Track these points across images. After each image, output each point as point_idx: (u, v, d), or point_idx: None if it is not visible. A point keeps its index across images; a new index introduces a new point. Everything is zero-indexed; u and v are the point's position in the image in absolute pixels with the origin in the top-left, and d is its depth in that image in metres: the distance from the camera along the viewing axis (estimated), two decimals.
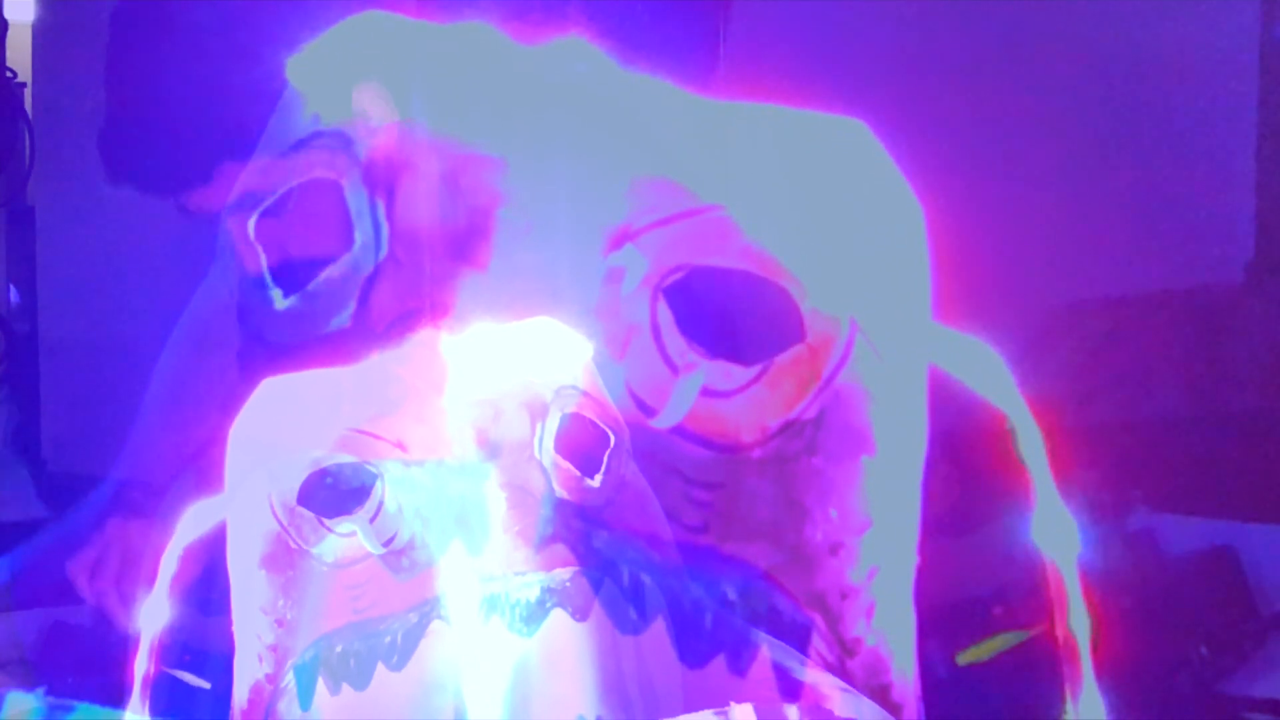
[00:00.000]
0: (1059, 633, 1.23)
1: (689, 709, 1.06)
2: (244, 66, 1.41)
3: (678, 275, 1.25)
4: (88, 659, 1.55)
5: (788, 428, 1.24)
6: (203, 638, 1.30)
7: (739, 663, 1.13)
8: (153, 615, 1.22)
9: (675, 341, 1.24)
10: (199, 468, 1.22)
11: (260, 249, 1.37)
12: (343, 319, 1.32)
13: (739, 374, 1.24)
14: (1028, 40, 1.73)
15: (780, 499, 1.24)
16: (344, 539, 1.11)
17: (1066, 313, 1.78)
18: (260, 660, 1.16)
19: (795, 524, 1.24)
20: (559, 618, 1.02)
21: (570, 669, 1.01)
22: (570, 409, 1.10)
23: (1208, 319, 1.79)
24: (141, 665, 1.22)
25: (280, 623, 1.15)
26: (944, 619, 1.46)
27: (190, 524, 1.21)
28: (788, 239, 1.25)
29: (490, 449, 1.09)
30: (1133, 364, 1.79)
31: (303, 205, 1.35)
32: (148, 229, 1.71)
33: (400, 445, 1.11)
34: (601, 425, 1.11)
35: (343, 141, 1.34)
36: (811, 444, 1.24)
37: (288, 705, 1.10)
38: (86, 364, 1.88)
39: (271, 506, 1.13)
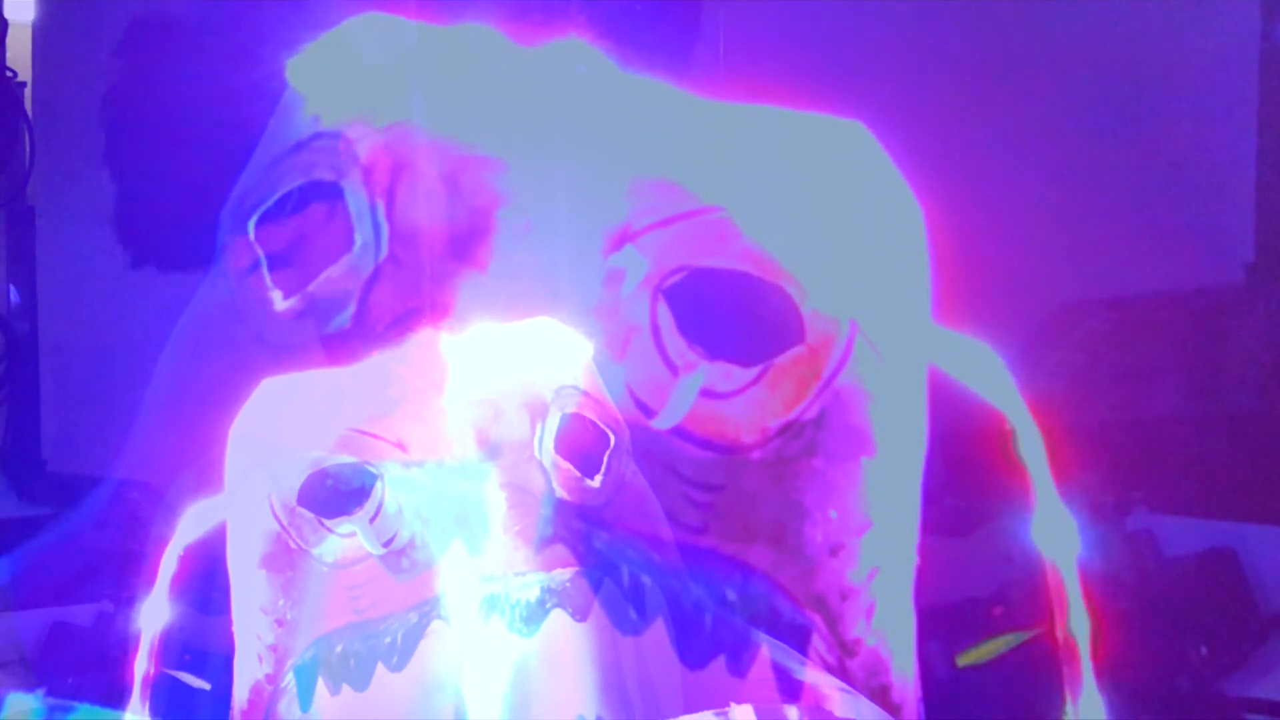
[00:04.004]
0: (1059, 633, 1.23)
1: (689, 709, 1.06)
2: (245, 68, 1.41)
3: (678, 276, 1.25)
4: (88, 659, 1.55)
5: (788, 429, 1.24)
6: (203, 638, 1.30)
7: (739, 663, 1.13)
8: (153, 615, 1.22)
9: (675, 342, 1.24)
10: (199, 468, 1.22)
11: (260, 250, 1.37)
12: (343, 319, 1.32)
13: (739, 375, 1.24)
14: (1027, 41, 1.73)
15: (780, 500, 1.24)
16: (344, 539, 1.11)
17: (1066, 313, 1.78)
18: (260, 660, 1.16)
19: (795, 525, 1.24)
20: (559, 618, 1.02)
21: (570, 669, 1.02)
22: (570, 409, 1.10)
23: (1208, 319, 1.79)
24: (141, 665, 1.22)
25: (280, 623, 1.15)
26: (944, 620, 1.46)
27: (190, 524, 1.21)
28: (788, 240, 1.25)
29: (490, 449, 1.09)
30: (1133, 364, 1.79)
31: (303, 206, 1.35)
32: (147, 229, 1.71)
33: (400, 445, 1.11)
34: (601, 425, 1.11)
35: (343, 142, 1.34)
36: (811, 445, 1.24)
37: (288, 705, 1.10)
38: (86, 364, 1.87)
39: (271, 506, 1.13)
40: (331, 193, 1.34)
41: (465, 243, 1.28)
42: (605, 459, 1.11)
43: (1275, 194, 1.78)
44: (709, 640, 1.12)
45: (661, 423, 1.23)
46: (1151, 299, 1.80)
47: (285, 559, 1.14)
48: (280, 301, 1.36)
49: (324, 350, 1.31)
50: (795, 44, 1.60)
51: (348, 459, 1.10)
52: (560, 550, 1.06)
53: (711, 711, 1.05)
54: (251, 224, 1.37)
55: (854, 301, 1.25)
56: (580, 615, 1.03)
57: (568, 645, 1.02)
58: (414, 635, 1.05)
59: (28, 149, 1.96)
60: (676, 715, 1.06)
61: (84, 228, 1.86)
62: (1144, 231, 1.74)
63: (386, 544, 1.09)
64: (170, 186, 1.59)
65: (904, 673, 1.25)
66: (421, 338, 1.21)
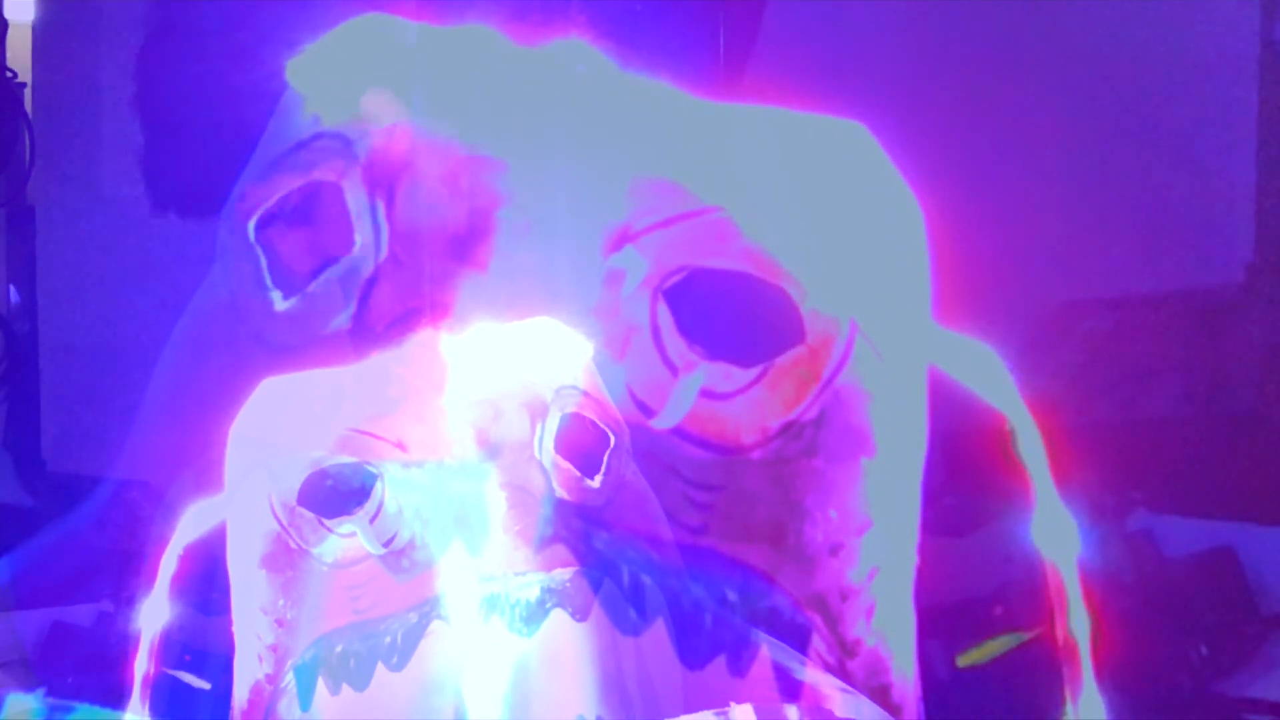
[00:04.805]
0: (1059, 633, 1.23)
1: (689, 709, 1.06)
2: (245, 68, 1.41)
3: (678, 276, 1.25)
4: (88, 659, 1.55)
5: (788, 429, 1.24)
6: (203, 638, 1.30)
7: (739, 663, 1.13)
8: (153, 615, 1.22)
9: (675, 343, 1.24)
10: (199, 468, 1.22)
11: (260, 250, 1.37)
12: (343, 320, 1.32)
13: (739, 375, 1.24)
14: (1027, 41, 1.73)
15: (780, 500, 1.24)
16: (344, 539, 1.11)
17: (1066, 313, 1.78)
18: (260, 660, 1.16)
19: (795, 525, 1.24)
20: (559, 618, 1.02)
21: (570, 669, 1.01)
22: (570, 409, 1.10)
23: (1208, 319, 1.79)
24: (141, 665, 1.22)
25: (280, 623, 1.15)
26: (944, 620, 1.46)
27: (190, 524, 1.21)
28: (788, 240, 1.25)
29: (490, 449, 1.09)
30: (1133, 364, 1.79)
31: (303, 206, 1.35)
32: (148, 229, 1.71)
33: (400, 445, 1.11)
34: (601, 425, 1.11)
35: (343, 143, 1.34)
36: (811, 445, 1.24)
37: (288, 705, 1.10)
38: (86, 364, 1.88)
39: (271, 506, 1.13)
40: (331, 193, 1.34)
41: (465, 243, 1.28)
42: (605, 459, 1.11)
43: (1275, 194, 1.78)
44: (709, 640, 1.12)
45: (661, 423, 1.23)
46: (1151, 299, 1.80)
47: (285, 559, 1.14)
48: (280, 301, 1.35)
49: (324, 350, 1.31)
50: (795, 44, 1.60)
51: (348, 459, 1.10)
52: (560, 550, 1.06)
53: (711, 711, 1.05)
54: (251, 224, 1.37)
55: (854, 301, 1.25)
56: (580, 615, 1.03)
57: (568, 645, 1.02)
58: (414, 635, 1.04)
59: (28, 149, 1.96)
60: (676, 715, 1.05)
61: (84, 228, 1.86)
62: (1144, 231, 1.74)
63: (386, 544, 1.09)
64: (173, 188, 1.60)
65: (904, 673, 1.25)
66: (421, 338, 1.21)
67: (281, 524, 1.13)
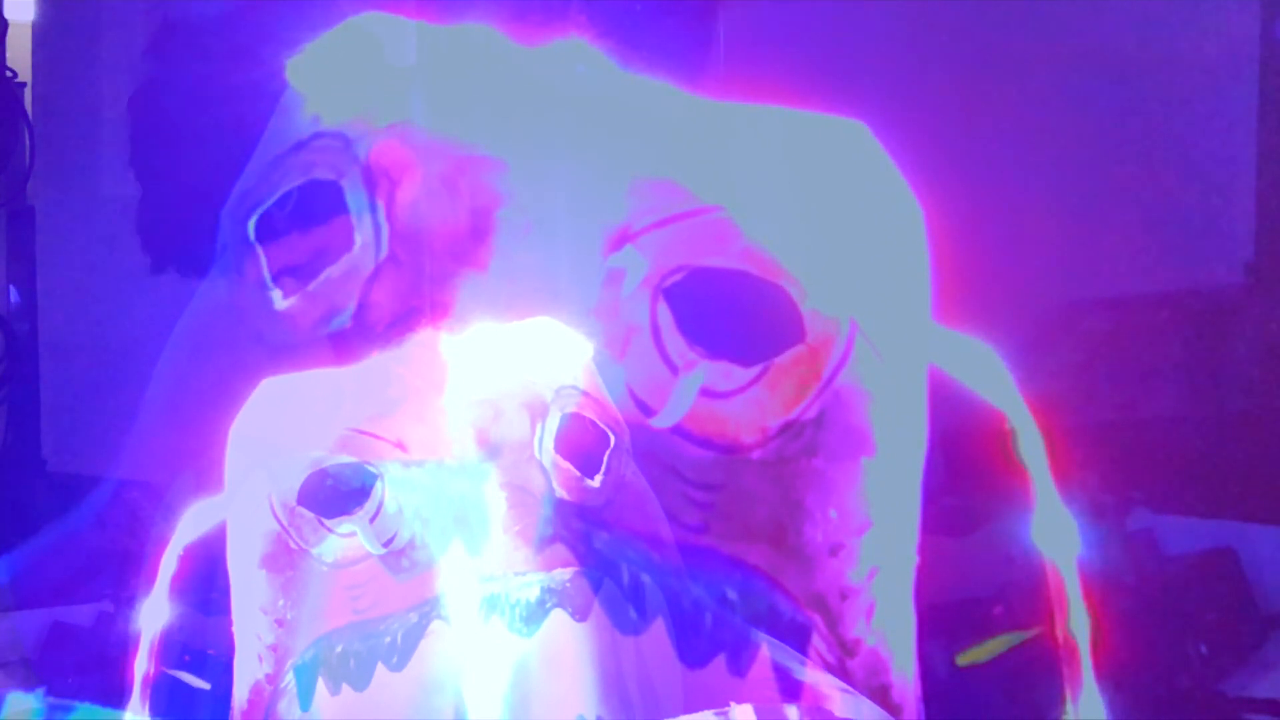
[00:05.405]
0: (1059, 633, 1.23)
1: (689, 709, 1.06)
2: (245, 68, 1.41)
3: (678, 276, 1.25)
4: (88, 659, 1.56)
5: (787, 428, 1.24)
6: (203, 638, 1.30)
7: (739, 663, 1.13)
8: (153, 615, 1.22)
9: (675, 342, 1.24)
10: (199, 468, 1.22)
11: (260, 249, 1.37)
12: (343, 319, 1.32)
13: (739, 375, 1.24)
14: (1027, 41, 1.73)
15: (780, 500, 1.24)
16: (344, 539, 1.11)
17: (1066, 313, 1.78)
18: (260, 660, 1.16)
19: (795, 524, 1.24)
20: (559, 618, 1.02)
21: (570, 669, 1.02)
22: (570, 409, 1.10)
23: (1208, 319, 1.79)
24: (141, 665, 1.22)
25: (280, 623, 1.15)
26: (944, 619, 1.46)
27: (190, 524, 1.21)
28: (788, 240, 1.25)
29: (490, 449, 1.09)
30: (1133, 364, 1.79)
31: (303, 206, 1.35)
32: (147, 229, 1.71)
33: (400, 445, 1.12)
34: (601, 425, 1.11)
35: (343, 142, 1.34)
36: (811, 445, 1.24)
37: (288, 705, 1.10)
38: (86, 364, 1.88)
39: (271, 506, 1.13)
40: (331, 192, 1.34)
41: (465, 243, 1.28)
42: (605, 459, 1.11)
43: (1275, 194, 1.78)
44: (709, 640, 1.12)
45: (661, 422, 1.23)
46: (1151, 299, 1.80)
47: (285, 559, 1.14)
48: (280, 301, 1.35)
49: (324, 350, 1.31)
50: (795, 44, 1.60)
51: (348, 459, 1.10)
52: (560, 550, 1.06)
53: (711, 711, 1.05)
54: (251, 224, 1.37)
55: (854, 301, 1.25)
56: (580, 615, 1.03)
57: (568, 645, 1.02)
58: (414, 635, 1.05)
59: (28, 149, 1.96)
60: (676, 715, 1.06)
61: (84, 228, 1.86)
62: (1144, 231, 1.74)
63: (386, 544, 1.09)
64: (176, 188, 1.59)
65: (904, 672, 1.25)
66: (421, 338, 1.21)
67: (281, 524, 1.13)
